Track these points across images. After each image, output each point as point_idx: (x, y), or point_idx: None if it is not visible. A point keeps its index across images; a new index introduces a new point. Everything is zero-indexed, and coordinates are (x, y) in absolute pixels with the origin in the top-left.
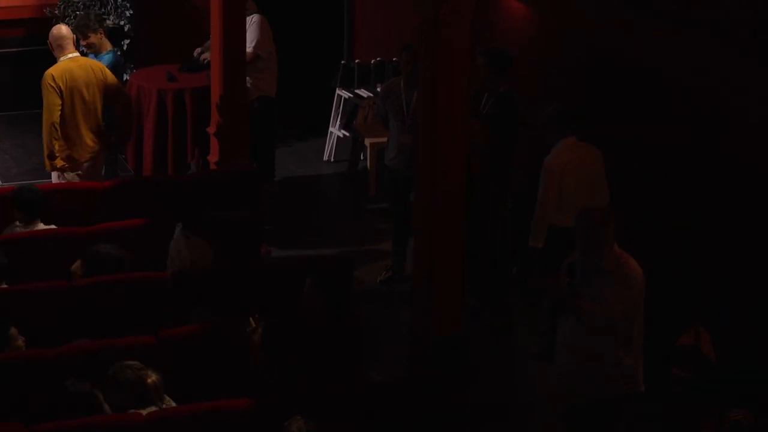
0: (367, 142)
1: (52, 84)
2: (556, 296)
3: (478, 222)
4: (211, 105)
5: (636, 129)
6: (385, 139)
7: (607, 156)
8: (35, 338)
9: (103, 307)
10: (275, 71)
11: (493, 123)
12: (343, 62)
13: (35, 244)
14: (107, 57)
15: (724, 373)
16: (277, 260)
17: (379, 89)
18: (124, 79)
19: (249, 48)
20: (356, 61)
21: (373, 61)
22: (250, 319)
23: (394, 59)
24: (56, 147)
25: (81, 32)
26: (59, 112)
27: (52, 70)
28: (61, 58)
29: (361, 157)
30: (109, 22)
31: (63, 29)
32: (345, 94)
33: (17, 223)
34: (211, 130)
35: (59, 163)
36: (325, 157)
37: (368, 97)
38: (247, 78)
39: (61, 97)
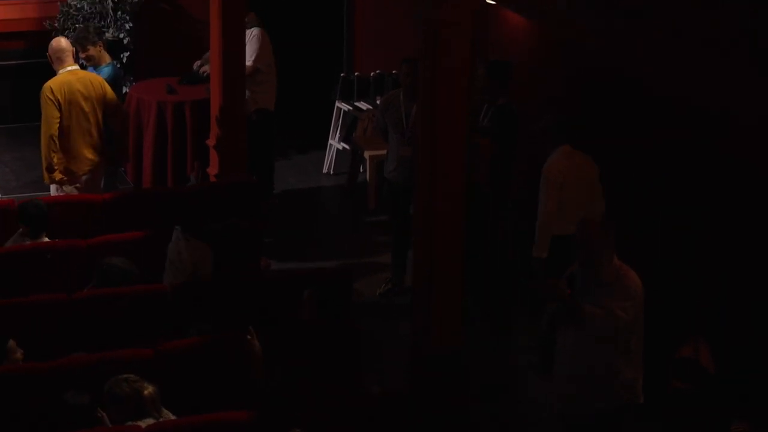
0: (367, 154)
1: (51, 97)
2: (557, 299)
3: (478, 232)
4: (211, 118)
5: (635, 138)
6: (384, 152)
7: (607, 165)
8: (34, 351)
9: (102, 320)
10: (274, 84)
11: (492, 137)
12: (342, 75)
13: (35, 256)
14: (106, 70)
15: (724, 383)
16: (277, 273)
17: (378, 102)
18: (124, 91)
19: (249, 61)
20: (356, 73)
21: (372, 74)
22: (250, 329)
23: (393, 72)
24: (55, 160)
25: (80, 45)
26: (58, 125)
27: (51, 83)
28: (60, 71)
29: (361, 170)
30: (108, 35)
31: (62, 42)
32: (344, 106)
33: (21, 234)
34: (211, 142)
35: (58, 175)
36: (325, 170)
37: (367, 109)
38: (246, 91)
39: (60, 109)
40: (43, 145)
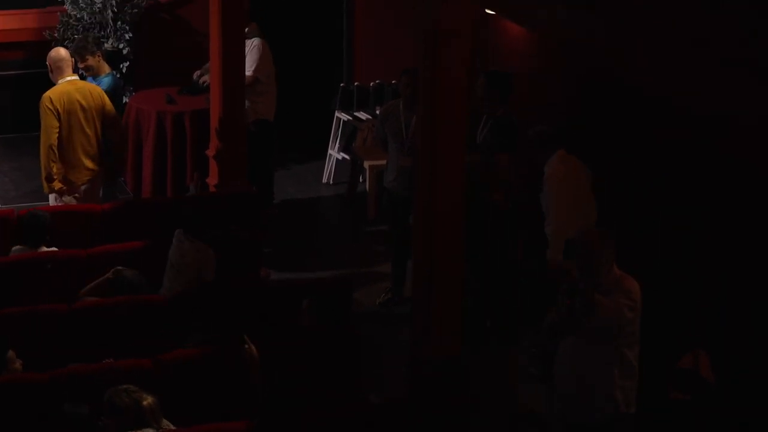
0: (366, 164)
1: (50, 106)
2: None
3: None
4: (210, 128)
5: (634, 141)
6: (384, 162)
7: (607, 168)
8: (33, 361)
9: (101, 330)
10: (274, 95)
11: (491, 149)
12: (342, 85)
13: (35, 266)
14: (106, 80)
15: (724, 395)
16: (277, 282)
17: (378, 112)
18: (124, 102)
19: (249, 71)
20: (355, 83)
21: (372, 84)
22: (245, 337)
23: (393, 82)
24: (54, 169)
25: (79, 54)
26: (57, 135)
27: (50, 93)
28: (60, 81)
29: (360, 180)
30: (108, 45)
31: (62, 52)
32: (344, 116)
33: (20, 246)
34: (210, 152)
35: (57, 185)
36: (324, 180)
37: (367, 119)
38: (246, 101)
39: (59, 119)
40: (42, 155)
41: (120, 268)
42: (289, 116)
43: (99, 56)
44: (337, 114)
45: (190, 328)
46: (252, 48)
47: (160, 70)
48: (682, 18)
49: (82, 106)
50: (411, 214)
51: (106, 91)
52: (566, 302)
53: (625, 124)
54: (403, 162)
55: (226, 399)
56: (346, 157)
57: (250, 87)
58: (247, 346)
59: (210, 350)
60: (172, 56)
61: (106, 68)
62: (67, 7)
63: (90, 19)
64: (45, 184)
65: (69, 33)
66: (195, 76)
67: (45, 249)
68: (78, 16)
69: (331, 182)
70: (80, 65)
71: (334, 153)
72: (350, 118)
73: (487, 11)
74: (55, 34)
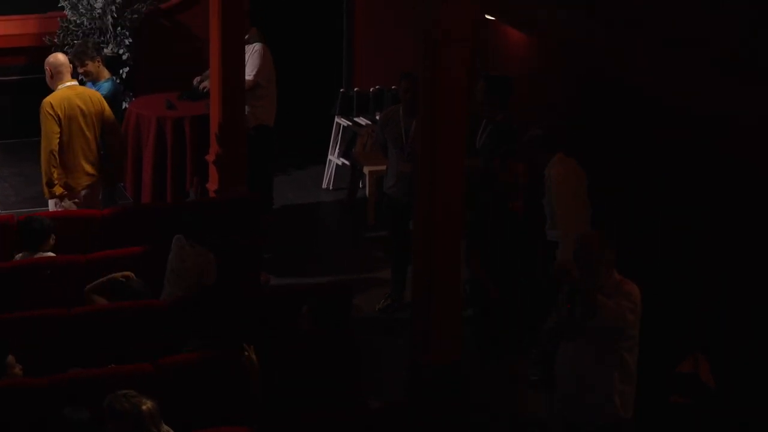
0: (366, 170)
1: (51, 112)
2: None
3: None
4: (210, 133)
5: (634, 144)
6: (384, 167)
7: (607, 169)
8: (33, 366)
9: (101, 335)
10: (274, 100)
11: (490, 154)
12: (342, 90)
13: (35, 271)
14: (106, 85)
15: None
16: (276, 288)
17: (378, 117)
18: (124, 107)
19: (249, 76)
20: (355, 89)
21: (372, 89)
22: (245, 345)
23: (392, 87)
24: (55, 175)
25: (79, 59)
26: (58, 140)
27: (51, 98)
28: (59, 87)
29: (360, 185)
30: (107, 51)
31: (60, 57)
32: (344, 122)
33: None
34: (210, 158)
35: (58, 190)
36: (324, 185)
37: (367, 125)
38: (246, 106)
39: (60, 125)
40: (43, 160)
41: (132, 277)
42: (289, 121)
43: (99, 61)
44: (336, 119)
45: (189, 333)
46: (253, 52)
47: (160, 76)
48: (681, 18)
49: (82, 111)
50: (411, 220)
51: (105, 97)
52: (566, 306)
53: (624, 125)
54: (402, 167)
55: (226, 404)
56: (346, 162)
57: (251, 91)
58: (246, 353)
59: (210, 355)
60: (172, 62)
61: (106, 74)
62: (67, 12)
63: (90, 24)
64: (46, 190)
65: (69, 38)
66: (195, 81)
67: (41, 255)
68: (78, 21)
69: (330, 188)
70: (80, 70)
71: (334, 158)
72: (350, 123)
73: (487, 16)
74: (55, 40)
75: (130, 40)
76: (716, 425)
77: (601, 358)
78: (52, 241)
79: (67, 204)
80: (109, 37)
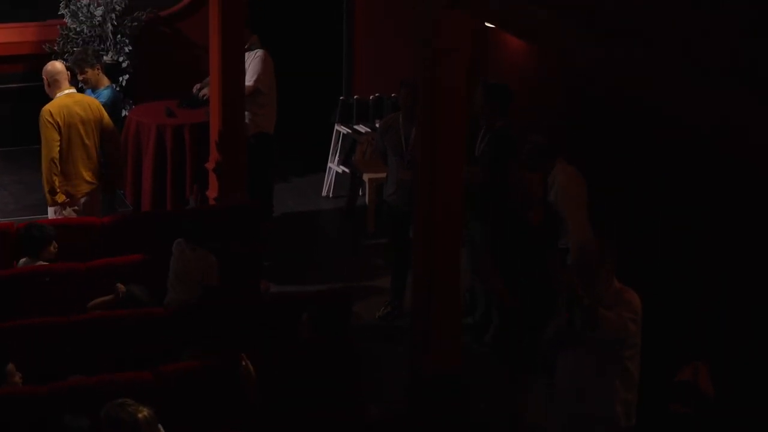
0: (366, 177)
1: (50, 120)
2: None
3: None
4: (210, 141)
5: (634, 147)
6: (383, 175)
7: (608, 173)
8: (33, 373)
9: (101, 343)
10: (275, 107)
11: (487, 161)
12: (341, 98)
13: (34, 279)
14: (105, 93)
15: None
16: (276, 295)
17: (377, 125)
18: (123, 114)
19: (250, 82)
20: (355, 96)
21: (371, 97)
22: (242, 355)
23: (392, 95)
24: (57, 182)
25: (78, 66)
26: (58, 148)
27: (50, 106)
28: (58, 94)
29: (360, 193)
30: (107, 58)
31: (57, 65)
32: (343, 129)
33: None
34: (210, 165)
35: (61, 198)
36: (324, 193)
37: (366, 132)
38: (246, 113)
39: (59, 132)
40: (44, 169)
41: (129, 285)
42: (289, 129)
43: (98, 69)
44: (336, 127)
45: (188, 340)
46: (254, 58)
47: (160, 84)
48: (683, 30)
49: (81, 118)
50: (411, 228)
51: (105, 104)
52: (565, 315)
53: (622, 130)
54: (402, 175)
55: (225, 411)
56: (346, 170)
57: (251, 97)
58: (244, 363)
59: (209, 363)
60: (171, 69)
61: (105, 81)
62: (67, 20)
63: (90, 32)
64: (49, 198)
65: (69, 46)
66: (195, 89)
67: (41, 263)
68: (78, 29)
69: (330, 195)
70: (79, 78)
71: (334, 166)
72: (350, 131)
73: (487, 24)
74: (55, 47)
75: (130, 48)
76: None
77: (602, 367)
78: (52, 249)
79: (67, 212)
80: (109, 44)
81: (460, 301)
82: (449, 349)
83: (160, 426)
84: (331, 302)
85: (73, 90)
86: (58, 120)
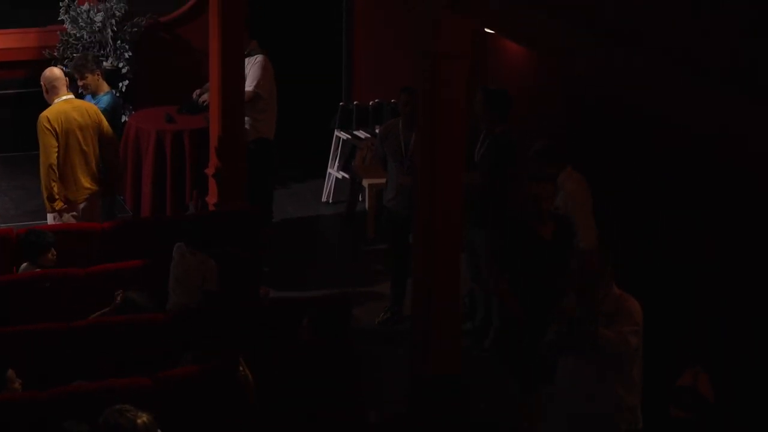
0: (366, 183)
1: (48, 126)
2: (572, 323)
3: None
4: (210, 147)
5: (631, 161)
6: (383, 181)
7: (608, 178)
8: (33, 379)
9: (100, 349)
10: (275, 113)
11: (486, 166)
12: (341, 104)
13: (34, 285)
14: (105, 98)
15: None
16: (276, 300)
17: (377, 130)
18: (123, 120)
19: (249, 87)
20: (354, 102)
21: (371, 103)
22: (240, 360)
23: (392, 101)
24: (56, 189)
25: (78, 71)
26: (56, 154)
27: (48, 113)
28: (56, 100)
29: (360, 199)
30: (107, 64)
31: (55, 71)
32: (343, 135)
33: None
34: (209, 171)
35: (59, 204)
36: (324, 199)
37: (366, 138)
38: (247, 119)
39: (57, 139)
40: (42, 175)
41: (128, 292)
42: (289, 135)
43: (98, 74)
44: (336, 133)
45: (187, 344)
46: (254, 63)
47: (160, 89)
48: (683, 36)
49: (79, 124)
50: (410, 233)
51: (105, 110)
52: (565, 320)
53: (622, 138)
54: (402, 180)
55: (224, 416)
56: (346, 175)
57: (251, 103)
58: (242, 368)
59: (208, 368)
60: (171, 75)
61: (105, 87)
62: (67, 26)
63: (90, 38)
64: (48, 204)
65: (69, 52)
66: (195, 95)
67: (38, 270)
68: (78, 35)
69: (330, 201)
70: (79, 83)
71: (334, 172)
72: (349, 136)
73: (486, 30)
74: (55, 53)
75: (130, 54)
76: None
77: (603, 373)
78: (50, 256)
79: (66, 218)
80: (109, 50)
81: (460, 305)
82: (449, 350)
83: (159, 431)
84: (332, 306)
85: (71, 96)
86: (56, 126)
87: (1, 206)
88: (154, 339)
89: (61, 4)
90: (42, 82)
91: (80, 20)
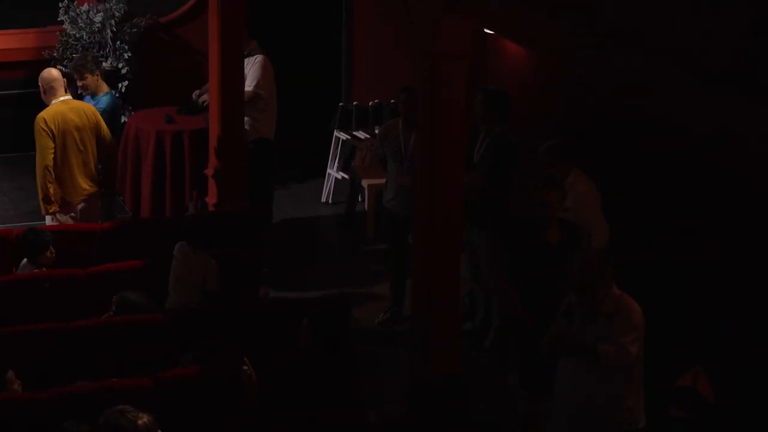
0: (365, 183)
1: (45, 127)
2: (573, 342)
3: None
4: (209, 147)
5: (634, 155)
6: (383, 181)
7: (609, 179)
8: (33, 380)
9: (101, 349)
10: (275, 113)
11: (486, 167)
12: (341, 104)
13: (34, 284)
14: (105, 99)
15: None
16: (275, 301)
17: (377, 131)
18: (123, 121)
19: (249, 87)
20: (354, 103)
21: (371, 103)
22: (244, 359)
23: (392, 101)
24: (51, 190)
25: (78, 72)
26: (52, 156)
27: (44, 114)
28: (53, 101)
29: (359, 199)
30: (106, 65)
31: (53, 72)
32: (343, 135)
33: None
34: (209, 172)
35: (53, 207)
36: (323, 199)
37: (366, 138)
38: (247, 119)
39: (54, 140)
40: (38, 176)
41: (123, 292)
42: (289, 135)
43: (98, 75)
44: (336, 133)
45: (187, 344)
46: (254, 63)
47: (159, 90)
48: (683, 37)
49: (76, 125)
50: (410, 233)
51: (104, 110)
52: (565, 321)
53: (622, 139)
54: (402, 181)
55: (224, 416)
56: (345, 176)
57: (251, 103)
58: (246, 368)
59: (208, 368)
60: (171, 76)
61: (105, 87)
62: (67, 26)
63: (89, 38)
64: (42, 206)
65: (68, 52)
66: (195, 95)
67: (37, 270)
68: (77, 35)
69: (330, 201)
70: (78, 84)
71: (333, 172)
72: (349, 137)
73: (486, 30)
74: (55, 54)
75: (130, 54)
76: None
77: (603, 374)
78: (49, 254)
79: (64, 219)
80: (109, 51)
81: (460, 305)
82: (449, 351)
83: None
84: (332, 306)
85: (68, 97)
86: (53, 127)
87: (1, 207)
88: (154, 339)
89: (60, 4)
90: (40, 83)
91: (80, 21)
